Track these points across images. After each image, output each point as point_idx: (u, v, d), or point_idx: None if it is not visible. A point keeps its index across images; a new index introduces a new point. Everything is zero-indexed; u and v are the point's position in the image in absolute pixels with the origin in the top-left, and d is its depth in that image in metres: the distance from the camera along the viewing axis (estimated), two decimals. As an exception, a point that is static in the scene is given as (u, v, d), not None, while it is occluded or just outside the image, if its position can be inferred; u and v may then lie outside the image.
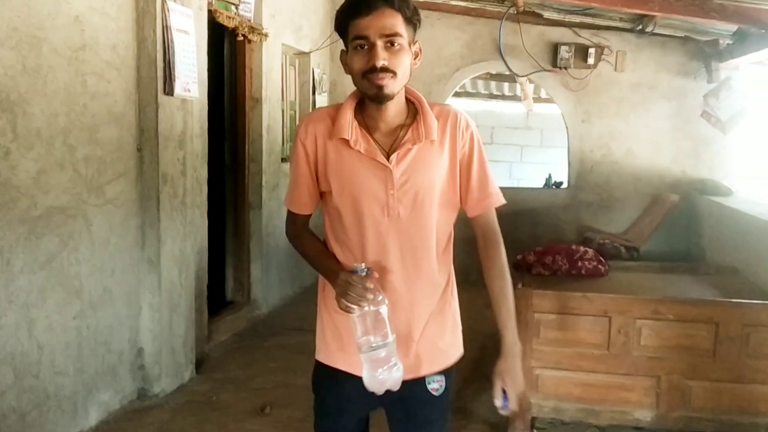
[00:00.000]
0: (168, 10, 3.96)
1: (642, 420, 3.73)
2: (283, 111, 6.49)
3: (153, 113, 3.98)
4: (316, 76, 7.06)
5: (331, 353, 1.99)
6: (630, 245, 6.97)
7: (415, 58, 1.84)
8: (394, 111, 1.87)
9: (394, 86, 1.78)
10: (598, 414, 3.79)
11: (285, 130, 6.60)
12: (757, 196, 7.05)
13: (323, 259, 1.96)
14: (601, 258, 4.75)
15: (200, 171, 4.65)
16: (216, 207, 5.47)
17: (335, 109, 1.90)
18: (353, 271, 1.78)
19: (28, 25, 3.14)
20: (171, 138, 4.12)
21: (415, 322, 1.94)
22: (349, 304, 1.75)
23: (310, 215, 2.03)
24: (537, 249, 4.80)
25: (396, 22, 1.75)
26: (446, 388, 2.01)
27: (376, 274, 1.82)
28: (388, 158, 1.85)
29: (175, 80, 4.02)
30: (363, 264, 1.79)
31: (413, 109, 1.90)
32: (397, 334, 1.84)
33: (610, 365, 3.72)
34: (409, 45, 1.80)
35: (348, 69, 1.83)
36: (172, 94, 4.05)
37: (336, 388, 2.01)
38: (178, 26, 4.05)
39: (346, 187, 1.88)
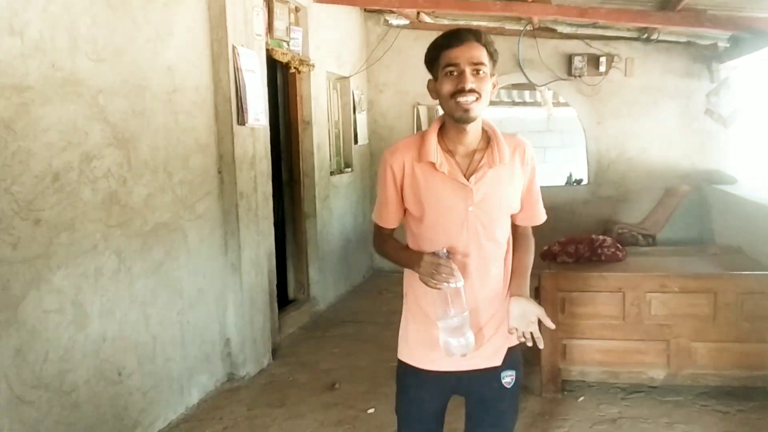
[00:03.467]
0: (238, 54, 4.48)
1: (656, 378, 4.09)
2: (329, 131, 6.92)
3: (230, 141, 4.48)
4: (355, 97, 7.47)
5: (413, 355, 2.17)
6: (646, 233, 7.26)
7: (493, 88, 2.00)
8: (472, 135, 2.03)
9: (477, 109, 1.94)
10: (618, 375, 4.15)
11: (331, 147, 7.05)
12: (759, 183, 7.27)
13: (407, 252, 2.14)
14: (618, 245, 5.03)
15: (266, 187, 5.10)
16: (277, 218, 5.93)
17: (419, 137, 2.07)
18: (435, 254, 1.95)
19: (135, 76, 3.67)
20: (244, 161, 4.63)
21: (484, 321, 2.11)
22: (438, 282, 1.92)
23: (394, 228, 2.21)
24: (561, 240, 5.06)
25: (482, 54, 1.94)
26: (516, 380, 2.18)
27: (456, 257, 2.01)
28: (467, 178, 2.02)
29: (247, 112, 4.54)
30: (444, 248, 1.97)
31: (486, 136, 2.07)
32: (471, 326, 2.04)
33: (626, 333, 4.07)
34: (490, 75, 1.98)
35: (435, 95, 2.01)
36: (244, 125, 4.56)
37: (418, 382, 2.18)
38: (247, 66, 4.57)
39: (432, 203, 2.03)
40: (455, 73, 1.94)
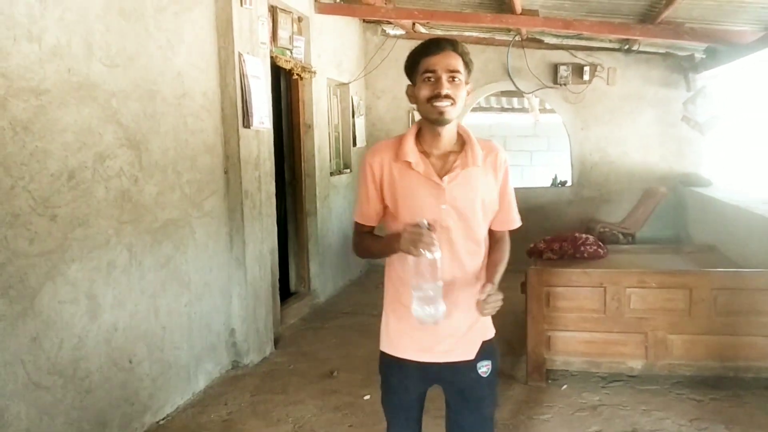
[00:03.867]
0: (244, 61, 4.48)
1: (634, 368, 4.11)
2: (329, 134, 6.92)
3: (235, 143, 4.48)
4: (354, 103, 7.47)
5: (393, 346, 2.17)
6: (627, 232, 7.25)
7: (467, 95, 2.01)
8: (447, 138, 2.04)
9: (452, 112, 1.96)
10: (599, 365, 4.16)
11: (331, 149, 7.05)
12: (733, 185, 7.30)
13: (384, 238, 2.13)
14: (600, 243, 5.07)
15: (270, 186, 5.10)
16: (280, 215, 5.95)
17: (397, 140, 2.08)
18: (417, 225, 1.92)
19: (147, 81, 3.66)
20: (249, 162, 4.63)
21: (461, 314, 2.09)
22: (420, 249, 1.88)
23: (374, 227, 2.19)
24: (546, 238, 5.14)
25: (458, 62, 1.96)
26: (492, 369, 2.16)
27: (437, 228, 1.98)
28: (441, 178, 2.02)
29: (252, 116, 4.54)
30: (425, 220, 1.95)
31: (461, 140, 2.07)
32: (444, 326, 2.03)
33: (607, 325, 4.08)
34: (465, 83, 1.99)
35: (414, 99, 2.02)
36: (249, 127, 4.55)
37: (400, 372, 2.18)
38: (252, 73, 4.57)
39: (407, 200, 2.04)
40: (432, 80, 1.96)
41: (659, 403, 3.92)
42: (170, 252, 3.91)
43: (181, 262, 4.02)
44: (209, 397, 4.17)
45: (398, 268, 2.12)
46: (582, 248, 4.91)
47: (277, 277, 5.35)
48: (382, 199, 2.11)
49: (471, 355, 2.13)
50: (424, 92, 1.97)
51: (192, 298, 4.15)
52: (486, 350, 2.16)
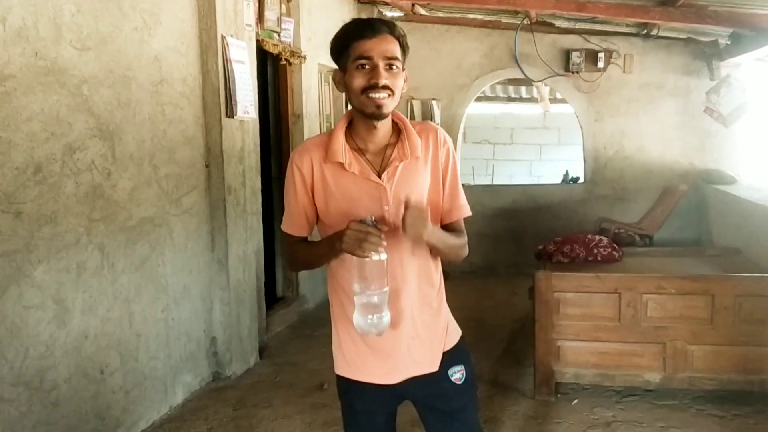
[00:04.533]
0: (227, 45, 4.48)
1: (651, 382, 4.10)
2: (320, 124, 6.90)
3: (218, 134, 4.48)
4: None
5: (351, 367, 2.04)
6: (644, 233, 7.29)
7: (405, 82, 1.92)
8: (382, 131, 1.95)
9: (390, 105, 1.87)
10: (613, 378, 4.15)
11: (323, 141, 7.05)
12: (759, 183, 7.34)
13: (321, 242, 2.00)
14: (615, 245, 5.09)
15: (255, 182, 5.12)
16: (266, 213, 5.93)
17: (327, 136, 1.98)
18: (363, 221, 1.80)
19: (120, 66, 3.66)
20: (233, 155, 4.63)
21: (419, 323, 2.02)
22: (366, 250, 1.78)
23: (306, 237, 2.09)
24: (556, 239, 5.12)
25: (396, 48, 1.86)
26: (467, 374, 2.08)
27: (384, 227, 1.87)
28: (379, 176, 1.93)
29: (236, 104, 4.54)
30: (371, 216, 1.84)
31: (397, 128, 1.99)
32: (402, 336, 1.96)
33: (622, 335, 4.08)
34: (403, 70, 1.90)
35: (343, 87, 1.92)
36: (233, 117, 4.56)
37: (362, 394, 2.06)
38: (236, 57, 4.57)
39: (343, 206, 1.94)
40: (367, 67, 1.85)
41: (678, 420, 3.92)
42: (146, 253, 3.91)
43: (157, 264, 4.02)
44: (188, 412, 4.16)
45: (346, 277, 1.98)
46: (595, 251, 4.91)
47: (263, 280, 5.36)
48: (314, 208, 2.02)
49: (435, 367, 2.04)
50: (359, 81, 1.85)
51: (169, 304, 4.15)
52: (455, 354, 2.08)
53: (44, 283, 3.14)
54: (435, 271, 2.07)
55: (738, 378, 4.02)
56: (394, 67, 1.86)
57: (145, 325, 3.92)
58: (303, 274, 6.48)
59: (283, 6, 6.00)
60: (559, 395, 4.27)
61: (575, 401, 4.21)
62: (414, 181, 1.96)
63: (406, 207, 1.83)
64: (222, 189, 4.55)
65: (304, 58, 6.21)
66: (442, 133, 2.04)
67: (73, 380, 3.34)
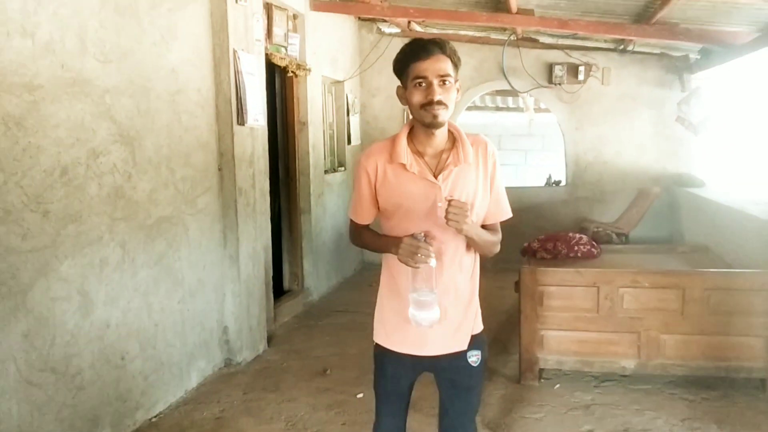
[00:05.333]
0: (238, 58, 4.47)
1: (627, 368, 4.11)
2: (324, 132, 6.91)
3: (230, 140, 4.47)
4: (349, 101, 7.46)
5: (390, 339, 2.23)
6: (620, 232, 7.29)
7: (457, 92, 2.03)
8: (439, 138, 2.07)
9: (445, 115, 1.99)
10: (592, 364, 4.16)
11: (326, 147, 7.04)
12: (726, 186, 7.31)
13: (385, 239, 2.15)
14: (594, 242, 5.08)
15: (264, 184, 5.10)
16: (274, 213, 5.93)
17: (391, 141, 2.11)
18: (414, 236, 1.98)
19: (141, 77, 3.65)
20: (243, 159, 4.62)
21: (456, 308, 2.15)
22: (417, 262, 1.96)
23: (369, 224, 2.26)
24: (540, 237, 5.12)
25: (447, 66, 1.97)
26: (482, 359, 2.23)
27: (433, 240, 2.02)
28: (435, 177, 2.06)
29: (247, 113, 4.53)
30: (422, 232, 2.01)
31: (452, 137, 2.11)
32: (441, 317, 2.06)
33: (600, 325, 4.09)
34: (455, 82, 2.02)
35: (405, 101, 2.04)
36: (244, 125, 4.55)
37: (395, 362, 2.24)
38: (247, 69, 4.56)
39: (403, 201, 2.07)
40: (423, 85, 1.98)
41: (651, 403, 3.93)
42: (163, 249, 3.90)
43: (174, 260, 4.01)
44: (202, 395, 4.16)
45: (393, 264, 2.15)
46: (575, 248, 4.91)
47: (271, 274, 5.34)
48: (377, 202, 2.16)
49: (463, 347, 2.20)
50: (417, 98, 1.99)
51: (185, 295, 4.14)
52: (476, 342, 2.23)
53: (70, 276, 3.14)
54: (471, 265, 2.20)
55: (706, 365, 4.03)
56: (447, 82, 1.98)
57: (163, 315, 3.91)
58: (308, 270, 6.49)
59: (290, 23, 5.99)
60: (542, 380, 4.27)
61: (557, 386, 4.22)
62: (465, 184, 2.08)
63: (450, 203, 1.96)
64: (233, 190, 4.54)
65: (309, 70, 6.21)
66: (492, 147, 2.16)
67: (96, 366, 3.33)
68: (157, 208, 3.83)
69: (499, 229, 2.25)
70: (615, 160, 7.94)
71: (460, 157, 2.07)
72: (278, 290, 6.07)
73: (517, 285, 4.24)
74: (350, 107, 7.51)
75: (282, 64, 5.66)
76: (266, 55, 5.30)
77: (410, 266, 1.99)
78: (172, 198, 3.98)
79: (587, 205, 8.01)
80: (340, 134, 7.47)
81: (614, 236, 7.15)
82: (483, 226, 2.17)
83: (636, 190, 7.78)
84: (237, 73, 4.48)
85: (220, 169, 4.50)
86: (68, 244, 3.12)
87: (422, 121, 2.02)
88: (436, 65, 1.96)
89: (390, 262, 2.18)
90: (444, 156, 2.09)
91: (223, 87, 4.45)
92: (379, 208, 2.18)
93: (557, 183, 9.37)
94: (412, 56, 1.98)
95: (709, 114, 7.33)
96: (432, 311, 2.04)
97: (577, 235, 5.14)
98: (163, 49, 3.87)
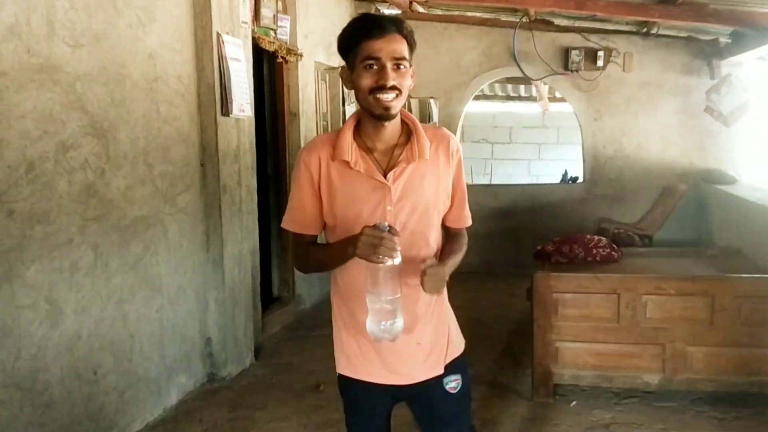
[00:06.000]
0: (222, 42, 4.47)
1: (651, 383, 4.10)
2: (317, 123, 6.90)
3: (213, 133, 4.47)
4: (345, 89, 7.51)
5: (353, 368, 2.11)
6: (643, 233, 7.28)
7: (411, 79, 1.93)
8: (390, 130, 1.96)
9: (398, 105, 1.88)
10: (612, 379, 4.15)
11: (319, 140, 7.04)
12: (760, 183, 7.34)
13: (333, 245, 2.01)
14: (614, 245, 5.08)
15: (251, 181, 5.11)
16: (262, 213, 5.92)
17: (335, 135, 1.99)
18: (376, 227, 1.80)
19: (114, 63, 3.65)
20: (228, 153, 4.62)
21: (420, 324, 2.04)
22: (381, 256, 1.77)
23: (316, 236, 2.08)
24: (555, 240, 5.10)
25: (403, 47, 1.87)
26: (463, 384, 2.12)
27: (398, 233, 1.84)
28: (385, 176, 1.94)
29: (232, 103, 4.53)
30: (385, 222, 1.84)
31: (407, 129, 2.00)
32: (405, 341, 1.96)
33: (621, 336, 4.08)
34: (410, 67, 1.91)
35: (350, 85, 1.92)
36: (229, 115, 4.55)
37: (365, 392, 2.12)
38: (232, 55, 4.56)
39: (348, 204, 1.96)
40: (375, 68, 1.85)
41: (677, 422, 3.92)
42: (140, 252, 3.90)
43: (152, 264, 4.02)
44: (182, 413, 4.16)
45: (349, 277, 2.02)
46: (594, 251, 4.90)
47: (259, 280, 5.35)
48: (321, 207, 2.02)
49: (439, 371, 2.10)
50: (366, 81, 1.86)
51: (164, 303, 4.14)
52: (455, 365, 2.13)
53: (37, 282, 3.13)
54: None
55: (738, 380, 4.02)
56: (402, 66, 1.87)
57: (139, 325, 3.91)
58: (299, 275, 6.47)
59: (280, 3, 5.98)
60: (557, 397, 4.27)
61: (573, 403, 4.21)
62: (420, 184, 1.98)
63: (424, 272, 1.87)
64: (217, 188, 4.54)
65: (301, 56, 6.21)
66: (455, 143, 2.06)
67: (66, 381, 3.33)
68: (133, 207, 3.83)
69: (465, 233, 2.18)
70: (637, 154, 7.97)
71: (414, 153, 1.96)
72: (267, 298, 6.04)
73: (530, 292, 4.24)
74: (346, 96, 7.48)
75: (271, 48, 5.66)
76: (253, 38, 5.30)
77: (372, 261, 1.79)
78: (149, 196, 3.98)
79: (607, 204, 8.02)
80: (334, 126, 7.42)
81: (637, 238, 7.14)
82: (446, 230, 2.13)
83: (660, 187, 7.77)
84: (221, 58, 4.49)
85: (202, 165, 4.50)
86: (35, 246, 3.12)
87: (371, 111, 1.90)
88: (391, 45, 1.85)
89: (339, 281, 2.07)
90: (396, 152, 1.98)
91: (205, 74, 4.45)
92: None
93: (574, 180, 9.43)
94: (363, 33, 1.85)
95: (741, 104, 7.33)
96: (395, 320, 1.88)
97: (596, 237, 5.14)
98: (140, 32, 3.87)
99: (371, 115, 1.92)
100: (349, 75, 1.92)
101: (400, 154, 1.96)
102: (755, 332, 3.97)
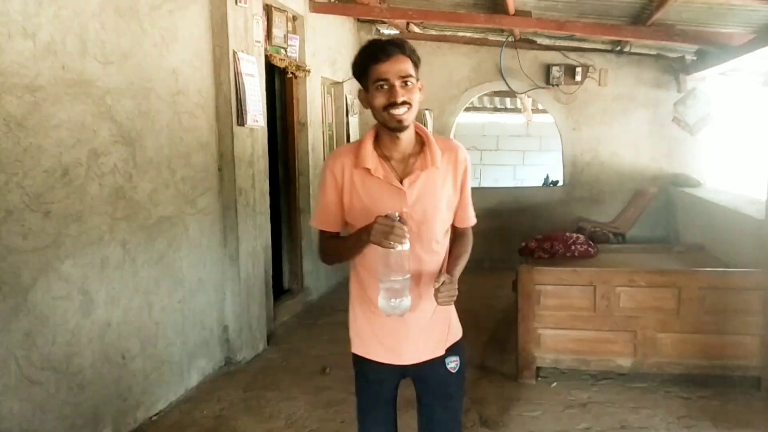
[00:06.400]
0: (238, 59, 4.47)
1: (623, 366, 4.11)
2: (323, 132, 6.91)
3: (230, 141, 4.47)
4: (348, 102, 7.43)
5: (366, 348, 2.16)
6: (617, 231, 7.29)
7: (419, 92, 1.97)
8: (406, 141, 2.01)
9: (410, 116, 1.93)
10: (589, 363, 4.17)
11: (325, 148, 7.03)
12: (722, 186, 7.35)
13: (351, 235, 2.04)
14: (590, 242, 5.09)
15: (264, 184, 5.10)
16: (274, 213, 5.92)
17: (357, 145, 2.04)
18: (388, 217, 1.86)
19: (141, 78, 3.65)
20: (243, 159, 4.62)
21: (428, 313, 2.10)
22: (392, 242, 1.83)
23: (339, 233, 2.13)
24: (537, 237, 5.14)
25: (408, 66, 1.92)
26: (460, 365, 2.19)
27: (406, 221, 1.91)
28: (401, 182, 1.99)
29: (246, 114, 4.52)
30: (396, 212, 1.89)
31: (420, 140, 2.04)
32: (411, 325, 2.05)
33: (597, 324, 4.09)
34: (417, 82, 1.96)
35: (367, 105, 1.97)
36: (244, 125, 4.55)
37: (375, 367, 2.16)
38: (246, 71, 4.56)
39: (368, 206, 1.99)
40: (385, 87, 1.91)
41: (648, 401, 3.93)
42: (164, 248, 3.90)
43: (174, 259, 4.01)
44: (202, 393, 4.16)
45: (366, 263, 2.07)
46: (573, 247, 4.92)
47: (271, 274, 5.34)
48: (344, 207, 2.08)
49: (441, 352, 2.16)
50: (380, 100, 1.92)
51: (185, 295, 4.14)
52: (454, 348, 2.19)
53: (71, 276, 3.14)
54: (443, 265, 2.13)
55: (702, 363, 4.03)
56: (409, 83, 1.92)
57: (163, 314, 3.91)
58: (307, 269, 6.48)
59: (290, 24, 5.98)
60: (539, 378, 4.28)
61: (554, 384, 4.22)
62: (432, 190, 2.03)
63: (438, 290, 1.94)
64: (233, 191, 4.54)
65: (309, 71, 6.20)
66: (463, 153, 2.10)
67: (97, 365, 3.33)
68: (157, 208, 3.82)
69: (470, 233, 2.24)
70: (612, 160, 7.96)
71: (427, 162, 2.01)
72: (278, 290, 6.05)
73: (515, 284, 4.24)
74: (349, 108, 7.50)
75: (282, 65, 5.66)
76: (266, 56, 5.29)
77: (384, 246, 1.86)
78: (172, 198, 3.97)
79: (584, 205, 8.01)
80: (339, 135, 7.45)
81: (611, 236, 7.14)
82: (454, 229, 2.16)
83: (633, 190, 7.80)
84: (237, 74, 4.48)
85: (220, 170, 4.50)
86: (69, 243, 3.12)
87: (387, 125, 1.96)
88: (397, 66, 1.90)
89: (359, 270, 2.12)
90: (411, 160, 2.03)
91: (223, 88, 4.44)
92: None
93: (555, 183, 9.40)
94: (371, 58, 1.92)
95: (705, 114, 7.37)
96: (403, 298, 1.94)
97: (575, 235, 5.15)
98: (164, 50, 3.87)
99: (387, 128, 1.97)
100: (366, 96, 1.98)
101: (415, 163, 2.01)
102: (717, 320, 3.98)
